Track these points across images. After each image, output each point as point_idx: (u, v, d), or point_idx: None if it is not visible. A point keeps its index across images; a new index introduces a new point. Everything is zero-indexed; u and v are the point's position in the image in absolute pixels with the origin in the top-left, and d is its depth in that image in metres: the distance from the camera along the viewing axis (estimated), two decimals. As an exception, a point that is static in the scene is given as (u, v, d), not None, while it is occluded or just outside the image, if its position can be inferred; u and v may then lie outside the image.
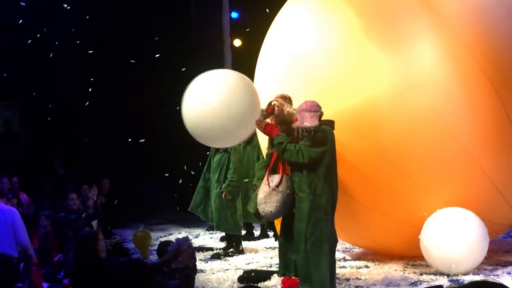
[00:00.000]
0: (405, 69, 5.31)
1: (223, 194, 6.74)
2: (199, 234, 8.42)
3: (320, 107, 4.78)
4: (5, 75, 8.53)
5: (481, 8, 5.48)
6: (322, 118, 4.86)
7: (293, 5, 6.21)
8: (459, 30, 5.33)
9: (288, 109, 5.06)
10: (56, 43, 8.92)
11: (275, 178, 4.71)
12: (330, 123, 4.85)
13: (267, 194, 4.67)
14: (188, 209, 7.21)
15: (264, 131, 4.88)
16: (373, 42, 5.37)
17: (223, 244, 7.31)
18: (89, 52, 8.49)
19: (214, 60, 10.50)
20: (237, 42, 10.55)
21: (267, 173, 4.76)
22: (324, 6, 5.77)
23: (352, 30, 5.48)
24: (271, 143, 5.01)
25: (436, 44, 5.34)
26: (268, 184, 4.68)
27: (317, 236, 4.64)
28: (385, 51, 5.34)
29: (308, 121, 4.68)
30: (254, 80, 6.58)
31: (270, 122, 4.98)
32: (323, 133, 4.72)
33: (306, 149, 4.62)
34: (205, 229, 8.58)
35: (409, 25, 5.41)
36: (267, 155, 5.18)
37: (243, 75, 5.21)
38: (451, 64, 5.29)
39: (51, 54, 8.66)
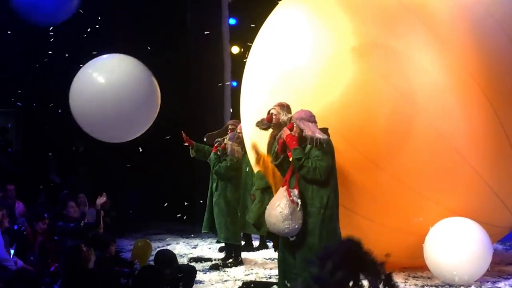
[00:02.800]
0: (401, 81, 5.45)
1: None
2: (197, 245, 8.45)
3: (314, 116, 4.87)
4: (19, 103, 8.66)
5: (473, 21, 5.67)
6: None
7: (283, 10, 6.29)
8: (452, 44, 5.53)
9: (283, 117, 5.10)
10: (50, 52, 9.03)
11: (296, 193, 4.68)
12: (326, 131, 4.90)
13: (293, 210, 4.60)
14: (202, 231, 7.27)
15: (286, 140, 4.80)
16: (368, 54, 5.51)
17: (222, 255, 7.34)
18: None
19: (213, 68, 10.58)
20: (235, 49, 10.57)
21: (286, 187, 4.70)
22: (318, 16, 5.86)
23: (344, 40, 5.58)
24: (275, 156, 4.96)
25: (431, 58, 5.51)
26: (292, 199, 4.63)
27: None
28: (380, 63, 5.49)
29: (318, 133, 4.73)
30: (241, 91, 6.72)
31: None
32: (327, 144, 4.76)
33: (321, 166, 4.63)
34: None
35: (404, 39, 5.54)
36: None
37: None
38: (445, 75, 5.47)
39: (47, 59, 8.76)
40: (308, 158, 4.68)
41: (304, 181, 4.72)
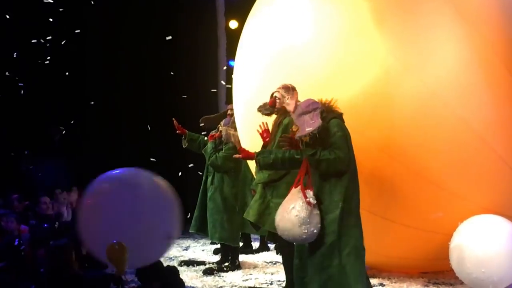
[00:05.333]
0: (420, 64, 5.42)
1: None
2: (189, 246, 8.48)
3: (317, 103, 4.71)
4: None
5: (504, 3, 5.68)
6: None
7: None
8: (480, 26, 5.52)
9: (288, 101, 5.05)
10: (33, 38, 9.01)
11: (311, 193, 4.61)
12: (339, 116, 4.80)
13: (310, 212, 4.53)
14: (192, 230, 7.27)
15: (290, 146, 4.75)
16: (383, 32, 5.47)
17: (217, 258, 7.35)
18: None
19: (206, 45, 10.52)
20: (233, 24, 10.52)
21: (301, 188, 4.63)
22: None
23: (357, 15, 5.55)
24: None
25: (456, 39, 5.48)
26: (309, 201, 4.56)
27: (352, 244, 4.58)
28: (396, 42, 5.44)
29: (309, 125, 4.59)
30: (234, 69, 6.71)
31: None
32: (339, 128, 4.64)
33: (340, 154, 4.54)
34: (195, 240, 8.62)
35: (426, 17, 5.51)
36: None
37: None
38: (471, 60, 5.47)
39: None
40: (323, 149, 4.59)
41: (322, 177, 4.65)
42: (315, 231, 4.52)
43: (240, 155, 5.00)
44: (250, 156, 4.97)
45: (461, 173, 5.52)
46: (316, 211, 4.55)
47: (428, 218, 5.61)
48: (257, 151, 4.99)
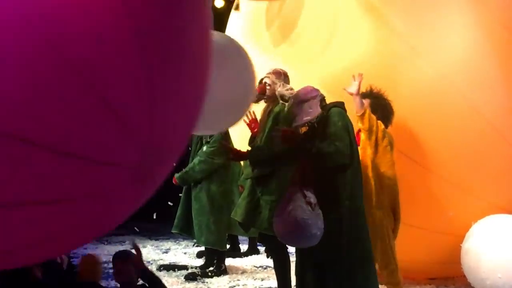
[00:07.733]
0: (429, 46, 5.43)
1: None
2: (169, 249, 8.45)
3: (317, 90, 4.74)
4: None
5: None
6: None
7: None
8: (494, 8, 5.62)
9: (279, 88, 5.05)
10: None
11: (310, 193, 4.56)
12: (340, 105, 4.79)
13: (310, 213, 4.48)
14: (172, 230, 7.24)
15: (283, 141, 4.68)
16: (388, 10, 5.49)
17: (200, 262, 7.32)
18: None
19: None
20: (219, 3, 10.53)
21: (299, 187, 4.57)
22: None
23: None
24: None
25: (468, 21, 5.55)
26: (309, 201, 4.50)
27: (360, 249, 4.56)
28: (402, 22, 5.47)
29: (307, 113, 4.60)
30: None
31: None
32: (340, 117, 4.60)
33: (342, 147, 4.51)
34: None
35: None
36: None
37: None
38: (484, 44, 5.52)
39: None
40: (321, 142, 4.56)
41: (322, 173, 4.61)
42: (318, 233, 4.47)
43: (232, 157, 5.01)
44: (242, 156, 4.96)
45: (474, 168, 5.57)
46: (318, 211, 4.48)
47: (438, 218, 5.61)
48: (248, 149, 4.97)
